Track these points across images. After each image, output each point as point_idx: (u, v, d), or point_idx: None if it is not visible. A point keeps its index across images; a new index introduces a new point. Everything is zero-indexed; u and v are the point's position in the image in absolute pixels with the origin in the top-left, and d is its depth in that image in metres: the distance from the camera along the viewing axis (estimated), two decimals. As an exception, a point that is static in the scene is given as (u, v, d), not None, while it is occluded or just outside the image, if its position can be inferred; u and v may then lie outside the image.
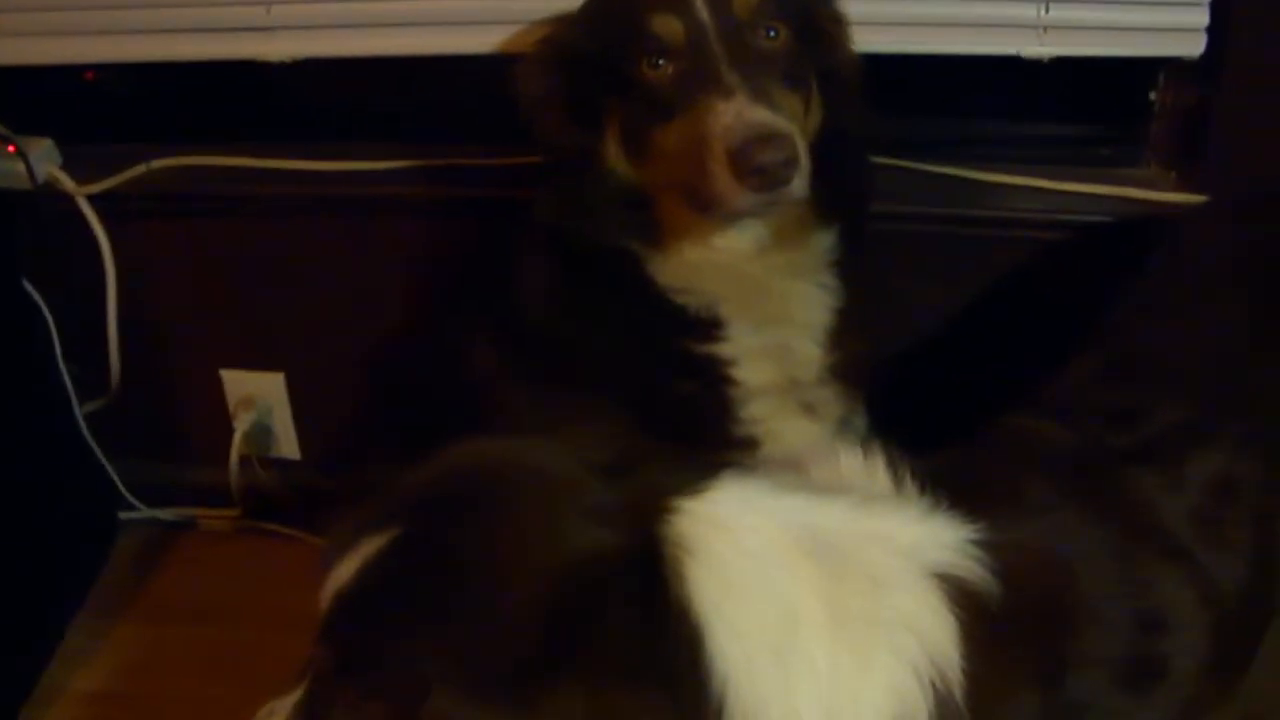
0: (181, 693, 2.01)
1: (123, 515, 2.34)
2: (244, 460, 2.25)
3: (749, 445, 1.50)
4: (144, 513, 2.34)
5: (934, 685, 0.92)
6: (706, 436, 1.49)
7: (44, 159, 1.99)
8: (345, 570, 0.94)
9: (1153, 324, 1.43)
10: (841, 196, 1.49)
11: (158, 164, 2.01)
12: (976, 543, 0.99)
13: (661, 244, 1.47)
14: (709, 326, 1.48)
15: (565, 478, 0.97)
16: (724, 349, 1.48)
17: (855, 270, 1.52)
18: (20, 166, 1.96)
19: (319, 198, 1.99)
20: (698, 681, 0.87)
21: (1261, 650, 1.18)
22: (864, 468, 1.07)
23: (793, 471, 1.06)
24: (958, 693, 0.93)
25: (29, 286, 2.09)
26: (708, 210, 1.38)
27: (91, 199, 2.01)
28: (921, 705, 0.92)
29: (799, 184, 1.31)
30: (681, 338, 1.48)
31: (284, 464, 2.31)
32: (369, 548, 0.93)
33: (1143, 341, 1.40)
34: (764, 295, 1.48)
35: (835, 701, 0.90)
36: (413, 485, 0.99)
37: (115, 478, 2.29)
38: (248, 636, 2.05)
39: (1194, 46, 1.71)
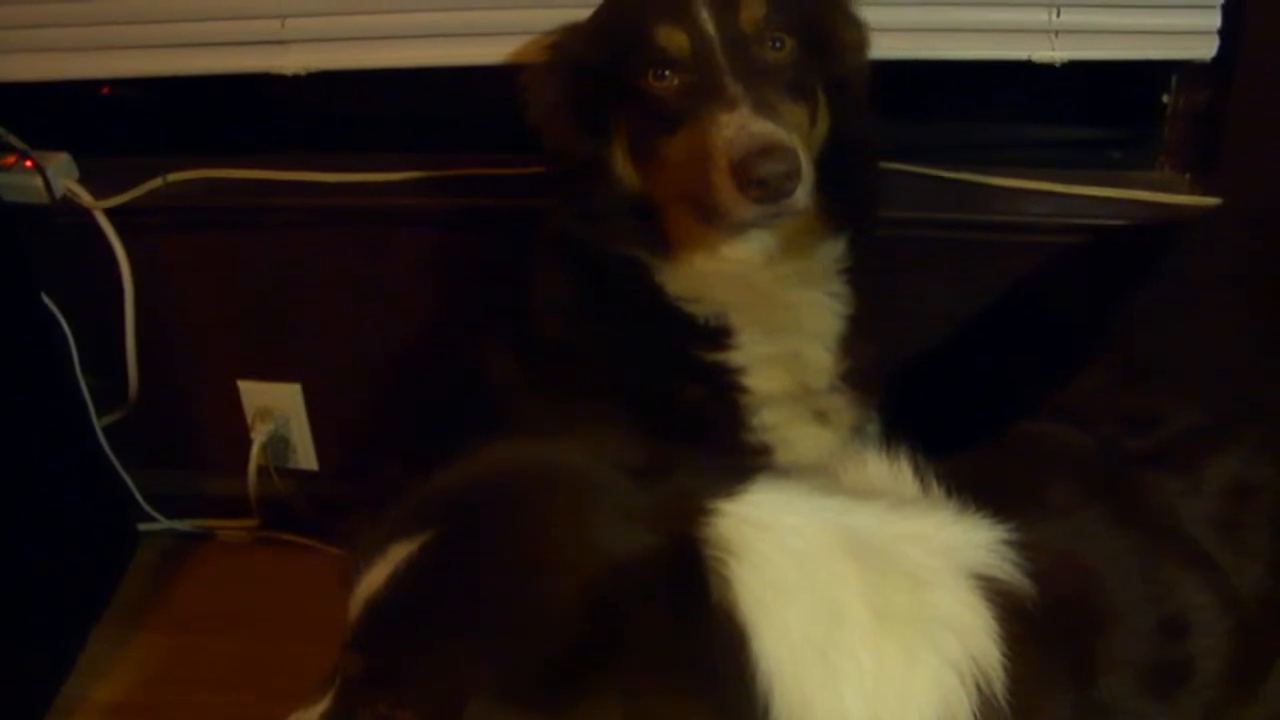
0: (201, 703, 2.02)
1: (141, 526, 2.36)
2: (262, 471, 2.26)
3: (761, 453, 1.50)
4: (162, 524, 2.35)
5: (977, 684, 0.92)
6: (718, 444, 1.49)
7: (61, 173, 2.01)
8: (375, 576, 0.93)
9: (1165, 328, 1.42)
10: (850, 204, 1.49)
11: (174, 177, 2.03)
12: (1009, 543, 0.99)
13: (670, 253, 1.47)
14: (719, 335, 1.48)
15: (598, 480, 0.97)
16: (734, 357, 1.49)
17: (865, 277, 1.52)
18: (38, 181, 1.97)
19: (335, 209, 2.00)
20: (742, 682, 0.87)
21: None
22: (891, 472, 1.07)
23: (822, 476, 1.06)
24: (1000, 691, 0.93)
25: (47, 300, 2.11)
26: (713, 220, 1.39)
27: (109, 212, 2.03)
28: (965, 704, 0.92)
29: (801, 196, 1.32)
30: (692, 346, 1.49)
31: (301, 475, 2.32)
32: (399, 553, 0.92)
33: (1155, 346, 1.40)
34: (774, 304, 1.49)
35: (881, 700, 0.90)
36: (442, 488, 0.99)
37: (134, 489, 2.30)
38: (267, 646, 2.06)
39: (1206, 49, 1.71)
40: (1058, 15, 1.71)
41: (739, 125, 1.31)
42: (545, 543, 0.92)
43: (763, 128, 1.30)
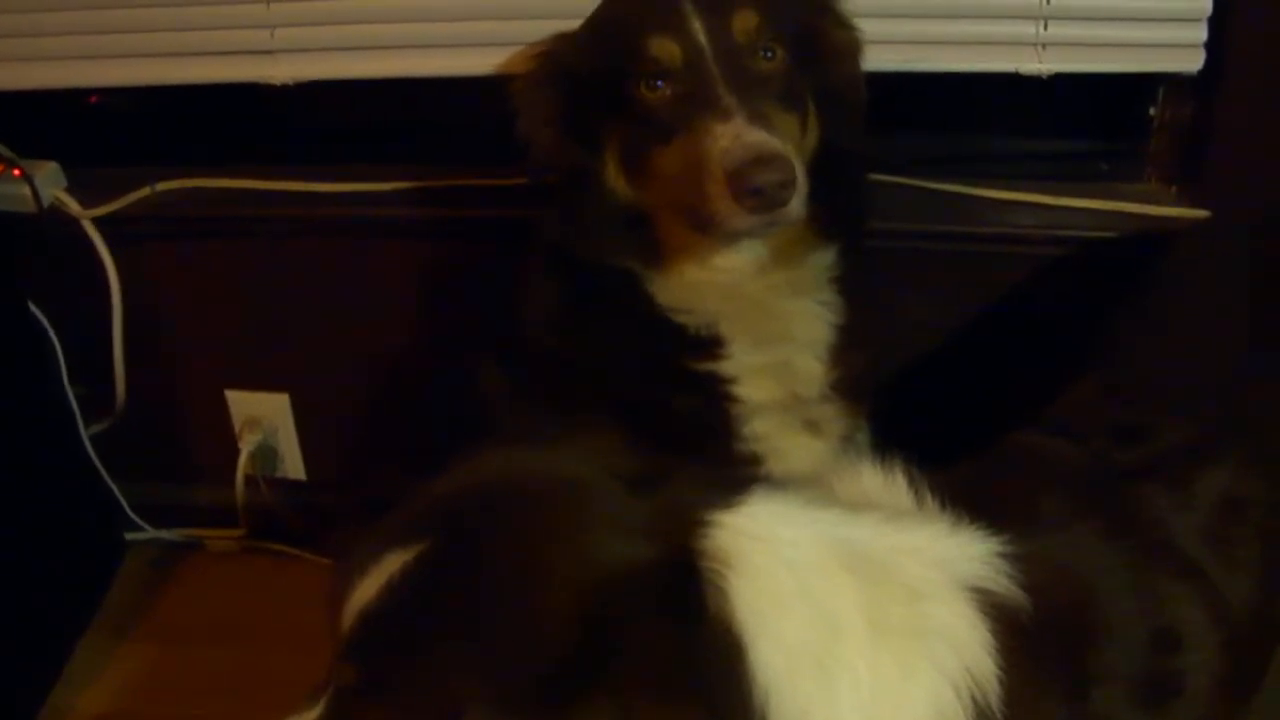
0: (188, 713, 2.01)
1: (129, 536, 2.35)
2: (249, 481, 2.26)
3: (752, 463, 1.50)
4: (150, 533, 2.34)
5: (972, 696, 0.92)
6: (709, 454, 1.49)
7: (49, 182, 2.01)
8: (369, 586, 0.93)
9: (1154, 340, 1.43)
10: (840, 214, 1.49)
11: (162, 186, 2.02)
12: (1003, 556, 0.99)
13: (661, 263, 1.47)
14: (710, 345, 1.48)
15: (594, 490, 0.96)
16: (725, 367, 1.49)
17: (855, 287, 1.53)
18: (26, 190, 1.97)
19: (323, 219, 2.00)
20: (738, 694, 0.87)
21: (1273, 668, 1.18)
22: (886, 484, 1.07)
23: (817, 487, 1.06)
24: (994, 703, 0.93)
25: (35, 309, 2.10)
26: (706, 230, 1.38)
27: (97, 222, 2.02)
28: (960, 716, 0.92)
29: (796, 205, 1.32)
30: (683, 356, 1.49)
31: (289, 484, 2.32)
32: (393, 562, 0.92)
33: (1144, 358, 1.40)
34: (764, 313, 1.49)
35: (877, 711, 0.90)
36: (437, 497, 0.98)
37: (121, 499, 2.29)
38: (254, 656, 2.05)
39: (1192, 62, 1.72)
40: (1045, 28, 1.72)
41: (734, 135, 1.30)
42: (541, 553, 0.92)
43: (758, 137, 1.30)
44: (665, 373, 1.50)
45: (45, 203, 1.99)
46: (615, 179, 1.46)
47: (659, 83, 1.39)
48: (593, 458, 1.00)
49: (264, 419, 2.24)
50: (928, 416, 1.61)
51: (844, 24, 1.52)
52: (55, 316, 2.12)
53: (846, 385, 1.54)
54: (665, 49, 1.38)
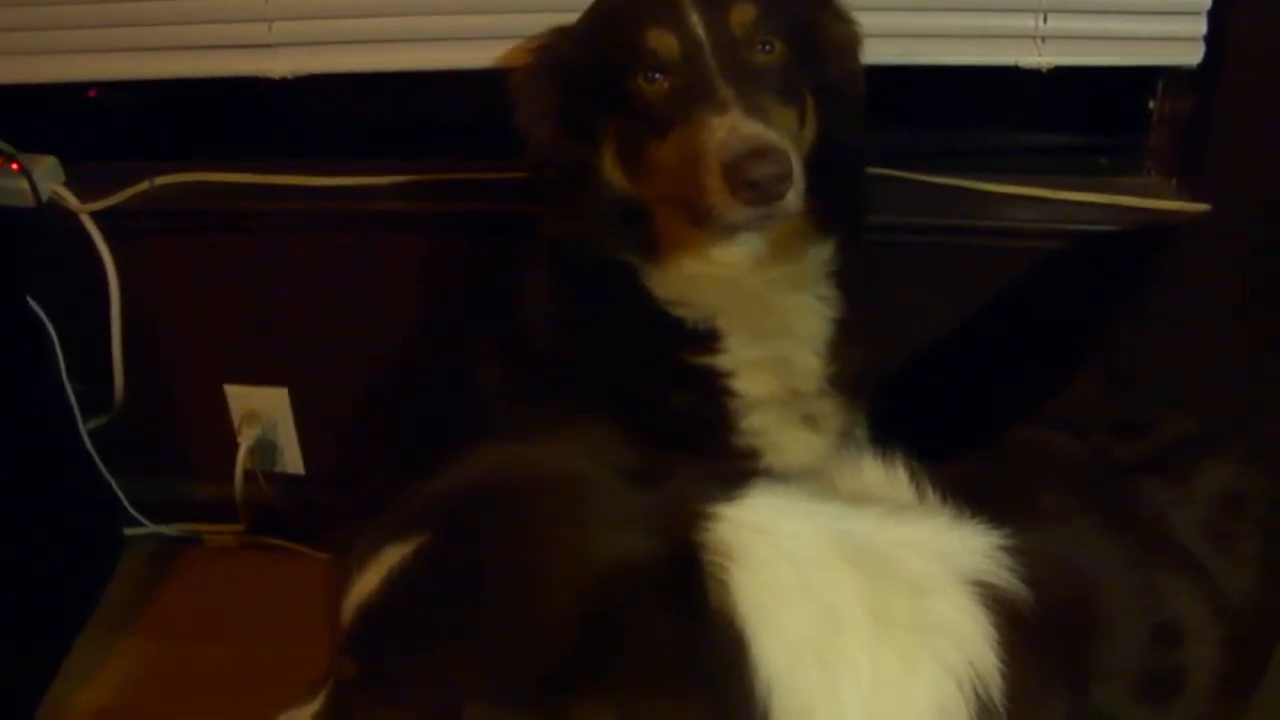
0: (187, 708, 2.01)
1: (128, 531, 2.34)
2: (248, 475, 2.26)
3: (750, 457, 1.50)
4: (149, 528, 2.34)
5: (975, 690, 0.93)
6: (707, 448, 1.49)
7: (48, 177, 2.00)
8: (369, 579, 0.93)
9: (1154, 335, 1.43)
10: (838, 208, 1.49)
11: (161, 181, 2.02)
12: (1005, 550, 1.00)
13: (659, 257, 1.47)
14: (707, 339, 1.48)
15: (595, 483, 0.96)
16: (722, 361, 1.48)
17: (854, 281, 1.53)
18: (24, 184, 1.97)
19: (321, 213, 1.99)
20: (741, 687, 0.87)
21: (1273, 664, 1.18)
22: (887, 477, 1.08)
23: (819, 481, 1.06)
24: (997, 697, 0.93)
25: (33, 304, 2.10)
26: (703, 224, 1.38)
27: (95, 216, 2.02)
28: (963, 710, 0.92)
29: (793, 198, 1.32)
30: (680, 350, 1.49)
31: (288, 479, 2.31)
32: (394, 556, 0.92)
33: (1144, 352, 1.40)
34: (762, 307, 1.49)
35: (880, 706, 0.90)
36: (438, 491, 0.98)
37: (120, 494, 2.29)
38: (253, 651, 2.05)
39: (1192, 55, 1.72)
40: (1044, 21, 1.72)
41: (730, 128, 1.30)
42: (542, 547, 0.92)
43: (754, 130, 1.30)
44: (663, 367, 1.50)
45: (44, 197, 1.99)
46: (613, 172, 1.46)
47: (656, 76, 1.39)
48: (593, 452, 1.00)
49: (263, 413, 2.24)
50: (927, 411, 1.60)
51: (842, 18, 1.52)
52: (54, 311, 2.12)
53: (845, 380, 1.54)
54: (663, 42, 1.38)
